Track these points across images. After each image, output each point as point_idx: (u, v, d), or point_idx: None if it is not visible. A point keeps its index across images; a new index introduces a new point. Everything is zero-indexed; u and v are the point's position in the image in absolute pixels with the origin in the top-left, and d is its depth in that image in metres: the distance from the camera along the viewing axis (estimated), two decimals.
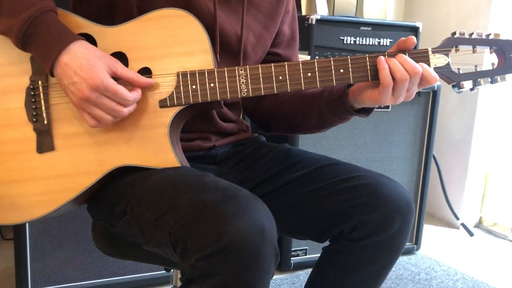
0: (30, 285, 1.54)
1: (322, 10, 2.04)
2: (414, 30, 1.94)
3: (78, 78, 0.81)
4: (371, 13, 2.20)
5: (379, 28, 1.88)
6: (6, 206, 0.90)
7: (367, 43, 1.86)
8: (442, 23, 2.47)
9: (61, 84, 0.83)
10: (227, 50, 1.00)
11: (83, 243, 1.58)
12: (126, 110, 0.84)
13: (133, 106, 0.86)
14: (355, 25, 1.84)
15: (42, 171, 0.89)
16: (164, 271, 1.65)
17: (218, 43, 0.97)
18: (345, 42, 1.82)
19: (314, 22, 1.76)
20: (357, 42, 1.84)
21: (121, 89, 0.82)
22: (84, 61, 0.81)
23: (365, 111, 0.99)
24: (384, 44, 1.88)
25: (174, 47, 0.88)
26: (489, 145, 2.48)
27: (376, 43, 1.88)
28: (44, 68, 0.84)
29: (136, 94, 0.85)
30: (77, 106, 0.84)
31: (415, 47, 0.91)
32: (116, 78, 0.84)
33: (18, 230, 1.51)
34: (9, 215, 0.90)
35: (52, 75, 0.84)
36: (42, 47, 0.82)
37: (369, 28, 1.86)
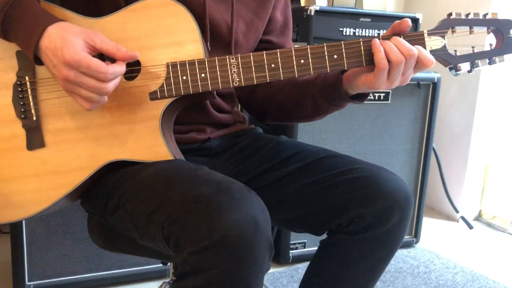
0: (27, 278, 1.53)
1: (321, 1, 2.02)
2: (414, 22, 1.92)
3: (56, 59, 0.78)
4: (370, 4, 2.18)
5: (378, 19, 1.86)
6: None
7: (367, 34, 1.84)
8: (443, 14, 2.44)
9: (49, 70, 0.81)
10: (217, 39, 0.98)
11: (80, 236, 1.57)
12: (110, 85, 0.79)
13: (117, 79, 0.80)
14: (354, 17, 1.82)
15: (33, 168, 0.88)
16: (161, 265, 1.65)
17: (209, 33, 0.95)
18: (344, 33, 1.81)
19: (313, 13, 1.75)
20: (357, 34, 1.82)
21: (93, 62, 0.76)
22: (59, 40, 0.77)
23: (360, 97, 0.97)
24: None
25: (163, 38, 0.86)
26: (489, 137, 2.47)
27: (376, 35, 1.86)
28: (29, 57, 0.81)
29: (116, 67, 0.79)
30: (65, 90, 0.81)
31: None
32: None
33: (14, 223, 1.50)
34: (1, 214, 0.89)
35: (40, 63, 0.82)
36: (22, 33, 0.80)
37: (369, 20, 1.84)
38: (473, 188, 2.52)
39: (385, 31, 1.84)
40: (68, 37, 0.77)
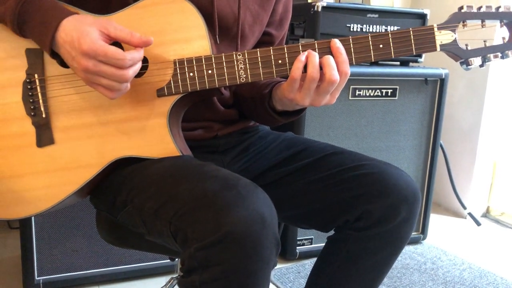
0: (36, 274, 1.55)
1: None
2: (422, 18, 1.91)
3: (74, 51, 0.78)
4: (378, 0, 2.17)
5: (386, 15, 1.85)
6: (9, 201, 0.90)
7: (374, 30, 1.83)
8: (451, 10, 2.41)
9: (68, 64, 0.82)
10: (224, 31, 0.98)
11: (89, 232, 1.58)
12: (129, 72, 0.79)
13: (138, 65, 0.81)
14: (361, 12, 1.81)
15: (43, 165, 0.89)
16: (168, 260, 1.66)
17: (217, 26, 0.95)
18: (351, 29, 1.80)
19: (320, 9, 1.74)
20: (364, 30, 1.82)
21: (111, 49, 0.77)
22: (75, 32, 0.78)
23: (288, 115, 0.98)
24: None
25: (169, 34, 0.86)
26: (497, 134, 2.46)
27: (383, 31, 1.85)
28: (47, 53, 0.82)
29: (133, 53, 0.79)
30: (87, 82, 0.81)
31: None
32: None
33: (24, 219, 1.51)
34: (12, 210, 0.90)
35: (57, 57, 0.82)
36: (38, 28, 0.81)
37: (376, 16, 1.83)
38: (481, 184, 2.50)
39: (392, 27, 1.85)
40: (83, 28, 0.78)
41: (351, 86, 1.79)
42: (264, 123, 1.11)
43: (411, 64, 1.97)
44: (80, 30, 0.78)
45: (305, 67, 0.85)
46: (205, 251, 0.70)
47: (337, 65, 0.84)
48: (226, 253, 0.69)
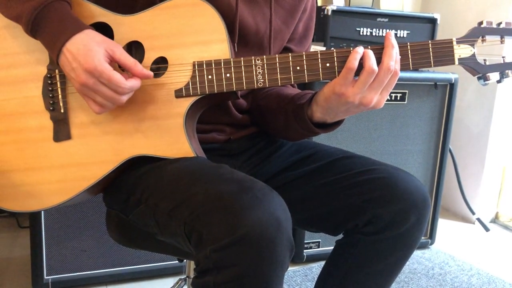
0: (45, 272, 1.56)
1: (338, 1, 2.02)
2: (432, 22, 1.90)
3: (76, 63, 0.81)
4: (388, 4, 2.17)
5: (396, 19, 1.85)
6: (22, 194, 0.91)
7: (384, 34, 1.83)
8: (461, 14, 2.42)
9: (65, 71, 0.84)
10: (243, 41, 0.98)
11: (98, 232, 1.59)
12: (124, 98, 0.83)
13: (132, 92, 0.84)
14: (371, 16, 1.81)
15: (58, 159, 0.90)
16: (177, 261, 1.66)
17: (237, 35, 0.96)
18: (361, 33, 1.80)
19: (330, 13, 1.74)
20: (374, 34, 1.82)
21: (116, 76, 0.81)
22: (81, 46, 0.80)
23: (326, 127, 0.95)
24: (401, 35, 1.85)
25: (190, 36, 0.88)
26: (507, 139, 2.44)
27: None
28: (52, 56, 0.85)
29: (133, 82, 0.83)
30: (80, 93, 0.84)
31: (433, 38, 0.88)
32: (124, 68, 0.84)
33: (34, 218, 1.53)
34: (25, 203, 0.91)
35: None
36: (50, 35, 0.82)
37: (386, 20, 1.83)
38: (490, 190, 2.49)
39: (402, 31, 1.85)
40: (91, 45, 0.81)
41: None
42: (292, 138, 1.06)
43: (420, 68, 1.97)
44: (88, 46, 0.80)
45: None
46: (220, 253, 0.71)
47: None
48: (242, 255, 0.70)
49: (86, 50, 0.80)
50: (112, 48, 0.82)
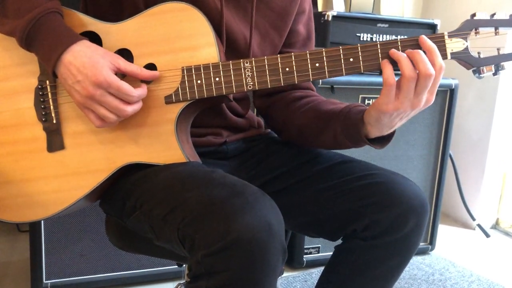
0: (44, 277, 1.56)
1: (338, 7, 2.02)
2: (432, 28, 1.91)
3: (81, 76, 0.81)
4: (388, 10, 2.18)
5: (396, 25, 1.85)
6: (19, 204, 0.91)
7: (385, 40, 1.84)
8: (461, 20, 2.42)
9: (66, 84, 0.84)
10: (233, 47, 0.99)
11: (97, 236, 1.59)
12: (130, 109, 0.84)
13: (138, 105, 0.85)
14: (371, 22, 1.82)
15: (53, 169, 0.90)
16: (176, 266, 1.66)
17: (225, 40, 0.96)
18: (361, 39, 1.80)
19: (330, 18, 1.75)
20: (374, 39, 1.82)
21: (125, 85, 0.82)
22: (86, 59, 0.81)
23: (381, 142, 0.93)
24: None
25: (178, 42, 0.88)
26: (507, 145, 2.44)
27: None
28: (47, 69, 0.85)
29: (140, 91, 0.85)
30: (82, 106, 0.84)
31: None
32: (122, 75, 0.85)
33: (33, 222, 1.52)
34: (22, 213, 0.92)
35: (55, 76, 0.85)
36: (45, 48, 0.83)
37: (386, 25, 1.84)
38: (491, 195, 2.49)
39: (402, 36, 1.84)
40: (96, 58, 0.82)
41: (360, 95, 1.79)
42: (333, 149, 1.04)
43: None
44: (93, 59, 0.81)
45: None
46: (212, 258, 0.71)
47: (431, 60, 0.81)
48: (233, 260, 0.70)
49: (93, 62, 0.81)
50: (116, 60, 0.84)
